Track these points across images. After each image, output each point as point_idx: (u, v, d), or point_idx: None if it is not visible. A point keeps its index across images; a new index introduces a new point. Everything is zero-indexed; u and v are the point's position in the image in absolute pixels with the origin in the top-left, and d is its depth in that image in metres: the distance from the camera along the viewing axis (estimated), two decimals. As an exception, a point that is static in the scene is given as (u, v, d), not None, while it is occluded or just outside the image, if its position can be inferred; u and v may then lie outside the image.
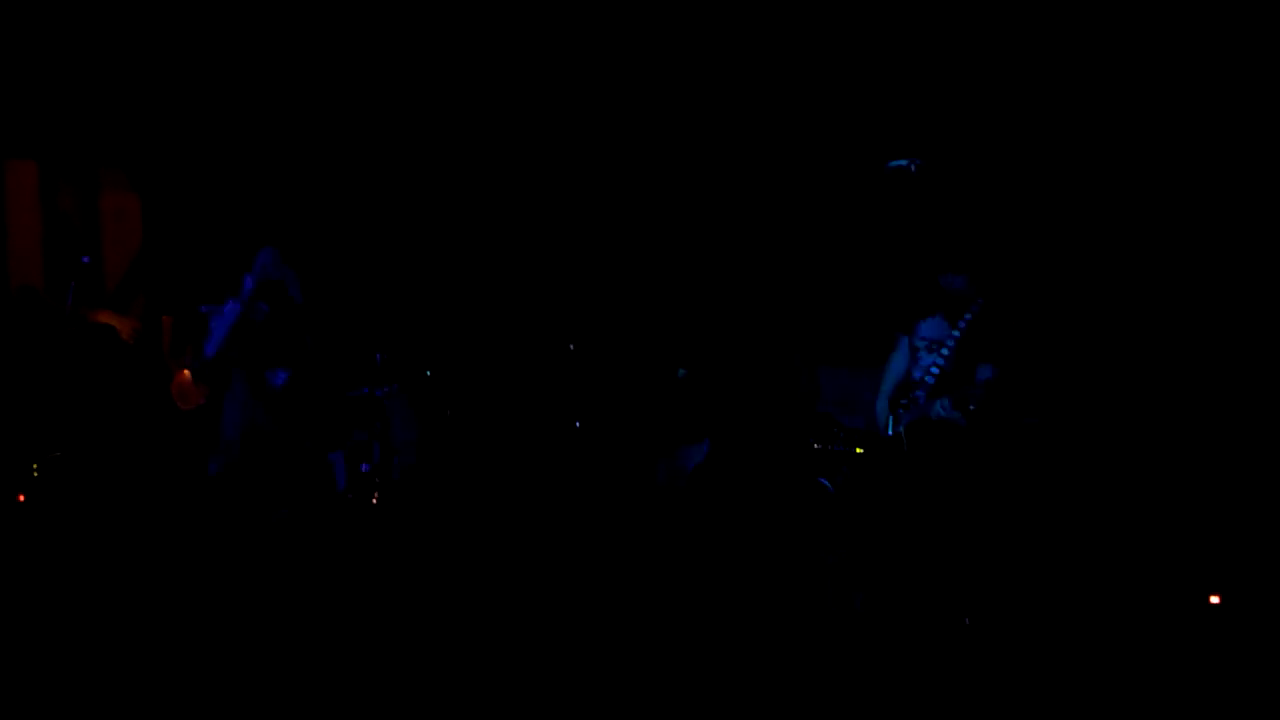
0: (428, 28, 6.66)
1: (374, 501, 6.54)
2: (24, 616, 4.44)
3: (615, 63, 6.81)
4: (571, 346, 6.63)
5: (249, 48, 6.62)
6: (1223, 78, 5.76)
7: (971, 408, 4.48)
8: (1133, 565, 5.09)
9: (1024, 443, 5.51)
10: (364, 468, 6.80)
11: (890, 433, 4.93)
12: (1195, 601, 4.77)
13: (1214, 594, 4.80)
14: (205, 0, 6.10)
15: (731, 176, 7.26)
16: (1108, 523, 5.30)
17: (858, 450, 6.04)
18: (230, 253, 5.71)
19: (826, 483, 6.09)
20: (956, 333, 4.77)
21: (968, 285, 4.81)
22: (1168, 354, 5.82)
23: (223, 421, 5.44)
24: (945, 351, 4.77)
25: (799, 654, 4.41)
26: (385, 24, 6.57)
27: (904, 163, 6.95)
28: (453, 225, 7.92)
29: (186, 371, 5.65)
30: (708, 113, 7.16)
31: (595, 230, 7.62)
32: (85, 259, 5.83)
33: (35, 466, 5.66)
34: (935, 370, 4.77)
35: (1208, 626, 4.60)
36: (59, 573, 4.94)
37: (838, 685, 4.12)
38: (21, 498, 5.64)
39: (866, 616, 4.96)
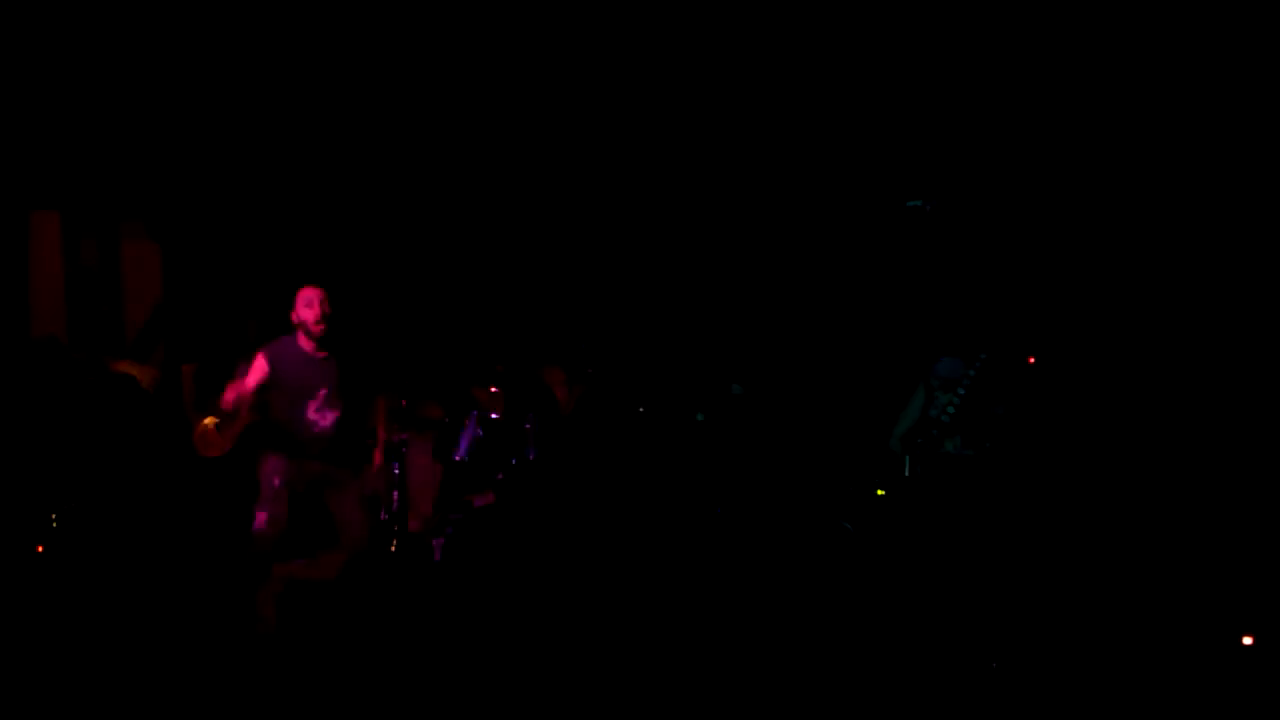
0: (464, 75, 6.73)
1: (392, 549, 6.50)
2: (45, 664, 4.43)
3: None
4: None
5: (272, 101, 6.70)
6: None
7: (987, 445, 4.53)
8: (1152, 597, 5.10)
9: (1038, 478, 5.55)
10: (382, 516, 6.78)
11: (906, 472, 4.97)
12: (1224, 639, 4.75)
13: (1246, 635, 4.77)
14: (225, 55, 6.18)
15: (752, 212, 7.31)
16: (1123, 556, 5.32)
17: (879, 492, 6.04)
18: (248, 302, 5.73)
19: (849, 525, 6.07)
20: (972, 372, 4.83)
21: (977, 326, 4.90)
22: (1171, 387, 5.86)
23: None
24: (961, 391, 4.83)
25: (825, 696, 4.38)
26: (412, 74, 6.64)
27: (919, 202, 7.04)
28: (468, 276, 7.97)
29: (208, 420, 5.65)
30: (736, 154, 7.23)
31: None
32: (106, 309, 5.87)
33: (54, 517, 5.64)
34: (951, 409, 4.83)
35: (1237, 665, 4.57)
36: (77, 622, 4.92)
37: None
38: (40, 549, 5.61)
39: (891, 655, 4.94)
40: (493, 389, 7.13)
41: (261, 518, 4.82)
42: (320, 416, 4.90)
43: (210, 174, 6.98)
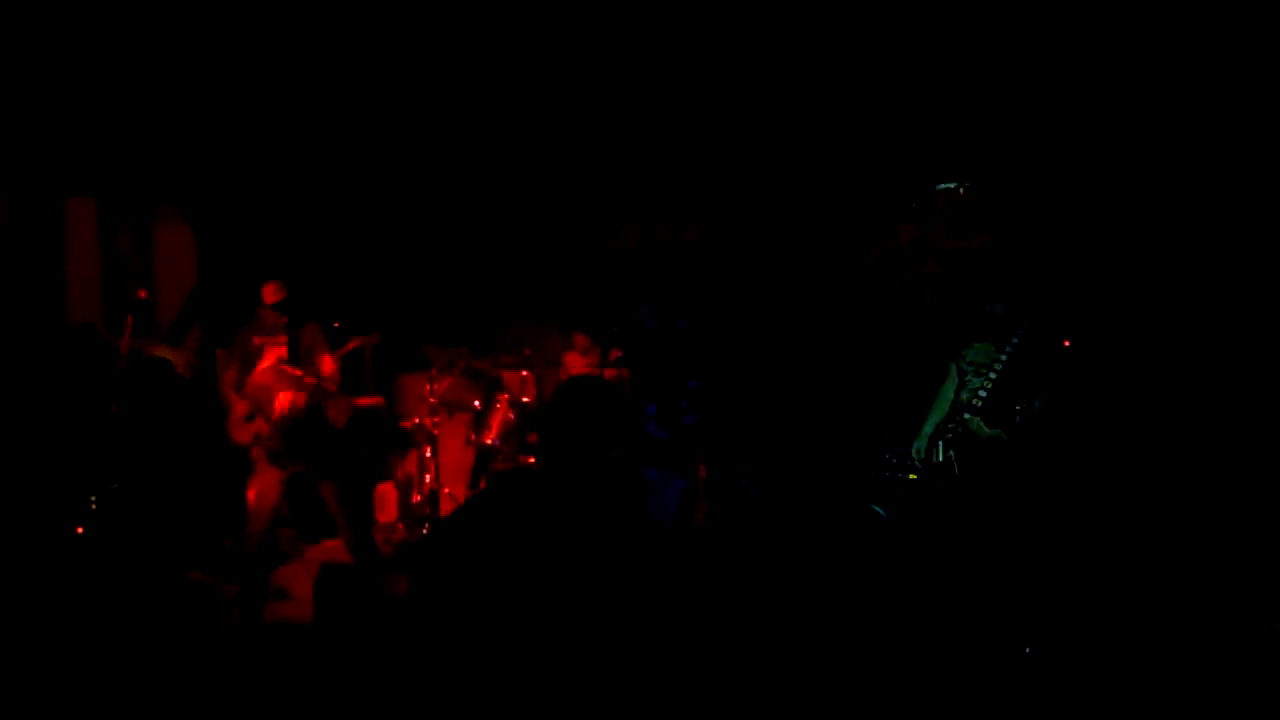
0: (488, 67, 6.74)
1: (424, 532, 6.56)
2: (81, 645, 4.51)
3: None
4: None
5: (307, 86, 6.72)
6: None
7: (1018, 420, 4.57)
8: (1186, 584, 5.07)
9: (1072, 463, 5.54)
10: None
11: (940, 458, 4.98)
12: (1261, 625, 4.71)
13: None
14: (259, 41, 6.20)
15: (759, 199, 7.28)
16: (1155, 542, 5.30)
17: (911, 476, 6.01)
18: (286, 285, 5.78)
19: (880, 510, 6.05)
20: (1004, 356, 4.84)
21: (1009, 311, 4.89)
22: (1206, 371, 5.80)
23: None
24: (993, 375, 4.84)
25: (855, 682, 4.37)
26: (442, 61, 6.65)
27: (953, 185, 6.98)
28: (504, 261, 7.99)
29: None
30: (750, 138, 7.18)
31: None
32: (141, 294, 5.92)
33: (93, 499, 5.72)
34: (983, 393, 4.84)
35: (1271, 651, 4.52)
36: (116, 604, 5.01)
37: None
38: (80, 530, 5.70)
39: (927, 640, 4.93)
40: (524, 373, 7.15)
41: (251, 493, 5.00)
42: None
43: (244, 159, 7.02)
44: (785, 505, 5.91)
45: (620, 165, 7.68)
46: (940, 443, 4.98)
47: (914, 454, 5.11)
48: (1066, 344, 5.95)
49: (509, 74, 6.87)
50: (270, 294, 5.71)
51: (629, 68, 6.70)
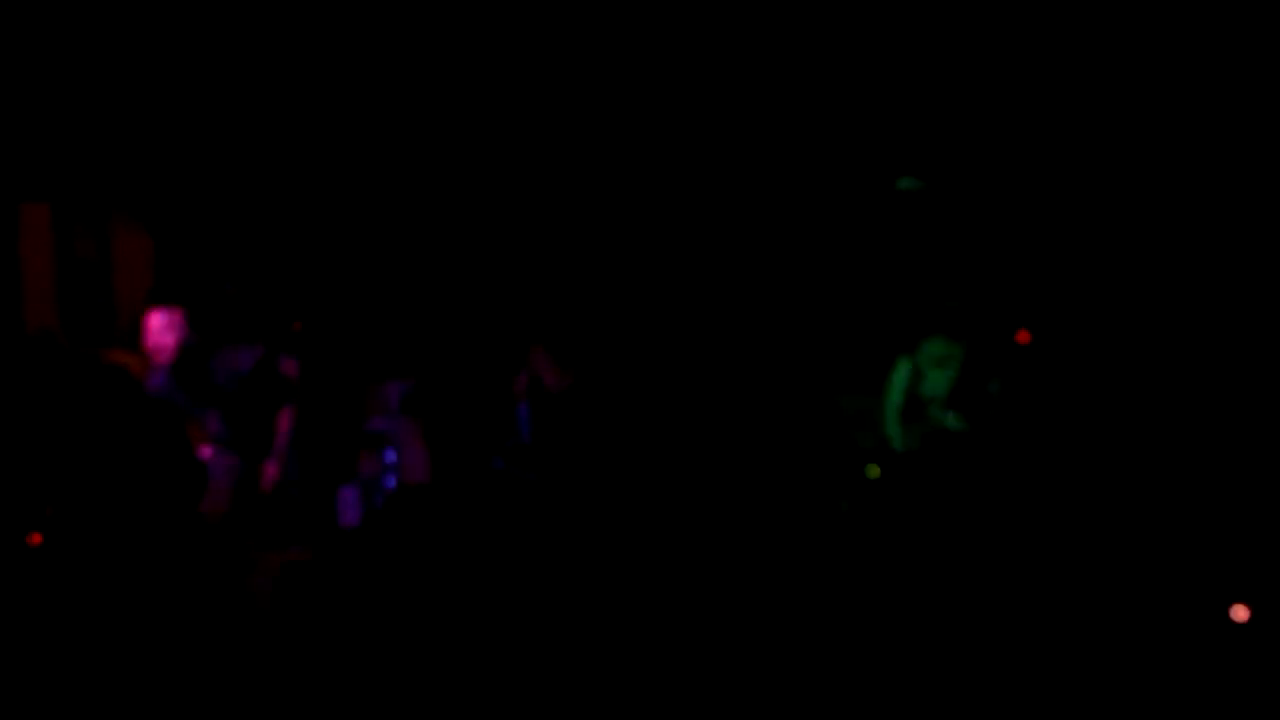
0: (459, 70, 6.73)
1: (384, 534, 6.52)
2: (39, 656, 4.45)
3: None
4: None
5: (264, 91, 6.70)
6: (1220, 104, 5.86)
7: (986, 419, 4.64)
8: (1148, 576, 5.11)
9: (1035, 454, 5.58)
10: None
11: (902, 450, 5.08)
12: (1215, 615, 4.75)
13: (1236, 607, 4.77)
14: (218, 43, 6.18)
15: (735, 193, 7.30)
16: (1121, 533, 5.33)
17: (873, 473, 6.04)
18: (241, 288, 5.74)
19: (844, 505, 6.08)
20: (962, 351, 4.95)
21: (965, 307, 4.98)
22: (1165, 363, 5.87)
23: None
24: (953, 370, 4.94)
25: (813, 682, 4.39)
26: (412, 70, 6.64)
27: (912, 183, 7.05)
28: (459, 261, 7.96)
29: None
30: (716, 129, 7.20)
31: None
32: (98, 300, 5.89)
33: (49, 508, 5.66)
34: (945, 386, 4.93)
35: (1227, 640, 4.57)
36: (72, 613, 4.94)
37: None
38: (37, 539, 5.63)
39: (883, 637, 4.95)
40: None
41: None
42: None
43: (201, 164, 6.98)
44: (749, 504, 5.93)
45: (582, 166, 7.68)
46: (902, 434, 5.08)
47: (890, 440, 5.18)
48: (1026, 338, 6.05)
49: (470, 84, 6.88)
50: None
51: (589, 72, 6.73)
